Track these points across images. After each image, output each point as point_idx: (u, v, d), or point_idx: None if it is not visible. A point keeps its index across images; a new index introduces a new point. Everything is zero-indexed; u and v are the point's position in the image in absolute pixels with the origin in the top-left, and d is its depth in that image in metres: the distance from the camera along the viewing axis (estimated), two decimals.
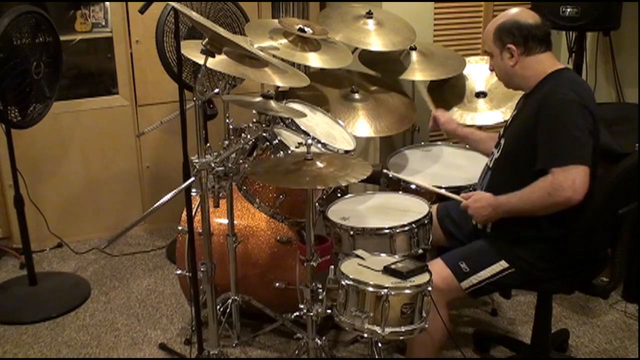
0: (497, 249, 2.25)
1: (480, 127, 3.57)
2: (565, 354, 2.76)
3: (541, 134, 2.14)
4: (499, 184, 2.28)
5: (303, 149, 2.31)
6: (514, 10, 2.29)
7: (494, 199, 2.23)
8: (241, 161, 2.44)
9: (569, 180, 2.06)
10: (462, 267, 2.23)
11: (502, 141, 2.33)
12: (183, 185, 2.19)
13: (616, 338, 2.87)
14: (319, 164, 2.21)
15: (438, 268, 2.22)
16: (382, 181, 2.91)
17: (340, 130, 2.92)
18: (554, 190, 2.07)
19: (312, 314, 2.28)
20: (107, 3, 3.66)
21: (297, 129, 2.67)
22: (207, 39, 2.09)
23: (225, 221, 2.69)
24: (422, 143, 3.31)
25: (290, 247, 2.72)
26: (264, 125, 2.43)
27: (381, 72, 3.42)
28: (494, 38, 2.27)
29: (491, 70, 2.37)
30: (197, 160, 2.18)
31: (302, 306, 2.31)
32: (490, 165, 2.37)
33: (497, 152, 2.34)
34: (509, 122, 2.39)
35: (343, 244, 2.39)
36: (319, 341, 2.35)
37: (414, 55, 3.32)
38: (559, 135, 2.11)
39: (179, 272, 2.74)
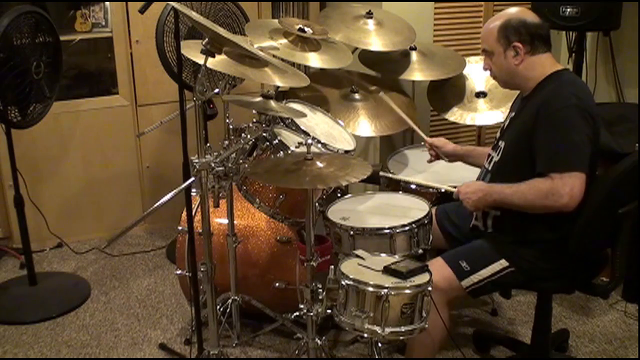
0: (498, 248, 2.25)
1: (480, 127, 3.59)
2: (565, 354, 2.76)
3: (541, 137, 2.14)
4: None
5: (303, 149, 2.30)
6: (515, 9, 2.27)
7: (486, 185, 2.24)
8: (241, 161, 2.44)
9: (567, 188, 2.07)
10: (462, 266, 2.23)
11: (502, 144, 2.32)
12: (183, 185, 2.19)
13: (616, 338, 2.87)
14: (319, 164, 2.21)
15: (439, 267, 2.22)
16: (382, 181, 2.91)
17: (340, 130, 2.92)
18: (551, 195, 2.08)
19: (312, 314, 2.28)
20: (107, 3, 3.66)
21: (297, 129, 2.67)
22: (207, 39, 2.09)
23: (225, 221, 2.69)
24: (422, 143, 3.30)
25: (290, 247, 2.72)
26: (264, 125, 2.43)
27: (381, 72, 3.42)
28: (498, 36, 2.23)
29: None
30: (197, 160, 2.18)
31: (302, 306, 2.31)
32: (490, 168, 2.36)
33: (497, 154, 2.33)
34: (506, 123, 2.38)
35: (343, 244, 2.39)
36: (319, 341, 2.35)
37: (414, 55, 3.32)
38: (559, 140, 2.11)
39: (179, 272, 2.74)
